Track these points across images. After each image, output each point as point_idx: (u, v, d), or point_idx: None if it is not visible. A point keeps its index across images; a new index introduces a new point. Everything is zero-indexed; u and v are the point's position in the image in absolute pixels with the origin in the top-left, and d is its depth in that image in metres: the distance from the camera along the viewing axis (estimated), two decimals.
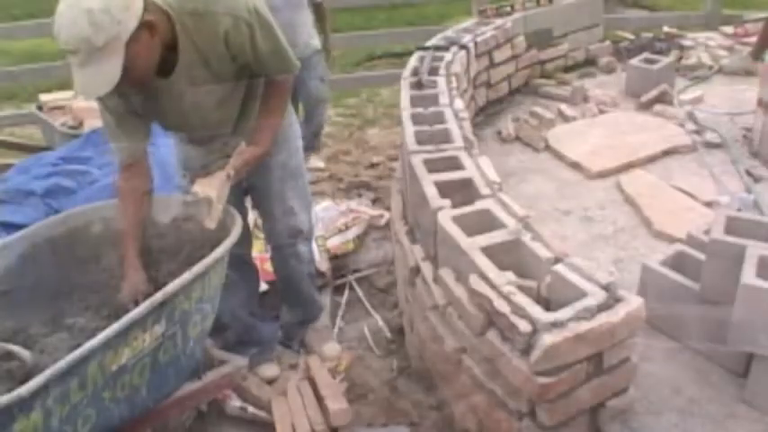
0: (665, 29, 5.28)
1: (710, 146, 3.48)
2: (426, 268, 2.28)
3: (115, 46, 1.79)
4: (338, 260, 3.37)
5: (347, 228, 3.45)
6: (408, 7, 8.56)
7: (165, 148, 2.90)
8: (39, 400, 1.54)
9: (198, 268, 1.93)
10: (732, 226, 2.05)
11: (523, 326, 1.64)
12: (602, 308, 1.67)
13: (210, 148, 2.34)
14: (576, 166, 3.38)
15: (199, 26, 1.99)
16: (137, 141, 2.18)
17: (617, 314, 1.66)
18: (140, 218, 2.20)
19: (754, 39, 4.76)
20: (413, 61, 3.51)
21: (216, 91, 2.15)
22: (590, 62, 4.78)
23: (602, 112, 3.94)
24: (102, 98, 2.04)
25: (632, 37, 5.29)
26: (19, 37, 5.62)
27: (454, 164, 2.38)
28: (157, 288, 1.90)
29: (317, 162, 4.57)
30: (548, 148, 3.60)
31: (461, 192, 2.23)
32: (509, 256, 1.91)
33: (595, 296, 1.67)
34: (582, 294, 1.69)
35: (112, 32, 1.77)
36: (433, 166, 2.35)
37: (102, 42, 1.76)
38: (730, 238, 1.98)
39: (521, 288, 1.76)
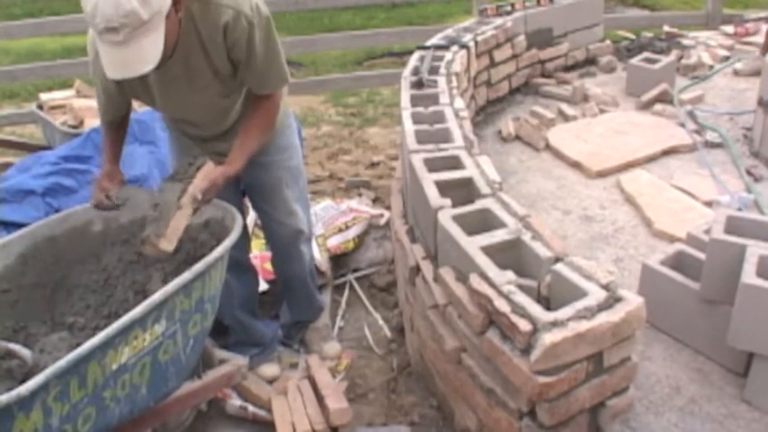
0: (666, 28, 5.28)
1: (711, 145, 3.48)
2: (426, 267, 2.28)
3: (157, 21, 1.79)
4: (338, 259, 3.37)
5: (347, 227, 3.45)
6: (408, 7, 8.57)
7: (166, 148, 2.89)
8: (39, 399, 1.54)
9: (198, 267, 1.93)
10: (732, 225, 2.05)
11: (523, 325, 1.64)
12: (603, 307, 1.67)
13: (203, 148, 2.34)
14: (576, 165, 3.38)
15: (203, 14, 1.99)
16: (121, 111, 2.29)
17: (617, 313, 1.66)
18: (121, 141, 2.35)
19: (754, 38, 4.77)
20: (413, 61, 3.50)
21: (212, 86, 2.14)
22: (590, 62, 4.77)
23: (602, 111, 3.94)
24: (100, 76, 2.05)
25: (632, 36, 5.28)
26: (19, 36, 5.62)
27: (454, 163, 2.38)
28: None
29: None
30: (548, 147, 3.60)
31: (461, 191, 2.23)
32: (509, 255, 1.92)
33: (595, 295, 1.68)
34: (582, 294, 1.69)
35: (156, 6, 1.77)
36: (433, 166, 2.35)
37: (148, 16, 1.74)
38: (730, 238, 1.98)
39: (521, 287, 1.76)
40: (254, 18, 2.03)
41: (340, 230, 3.42)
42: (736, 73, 4.42)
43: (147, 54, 1.79)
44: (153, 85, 2.11)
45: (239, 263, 2.53)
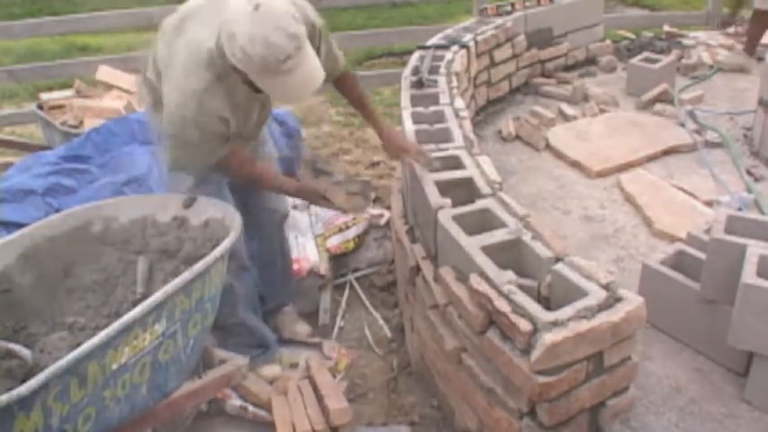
0: (666, 28, 5.28)
1: (711, 145, 3.48)
2: (426, 267, 2.28)
3: (304, 32, 1.94)
4: (338, 259, 3.37)
5: (347, 227, 3.45)
6: (408, 7, 8.56)
7: None
8: (39, 399, 1.54)
9: (198, 267, 1.93)
10: (732, 225, 2.05)
11: (524, 325, 1.64)
12: (603, 307, 1.67)
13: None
14: (576, 165, 3.38)
15: None
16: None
17: (617, 313, 1.66)
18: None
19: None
20: (413, 60, 3.50)
21: None
22: (590, 61, 4.77)
23: (602, 111, 3.94)
24: (212, 125, 2.07)
25: (633, 36, 5.29)
26: (19, 36, 5.62)
27: (454, 163, 2.38)
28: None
29: None
30: (548, 147, 3.60)
31: (462, 191, 2.23)
32: (509, 255, 1.91)
33: (596, 295, 1.68)
34: (582, 294, 1.69)
35: (301, 19, 1.93)
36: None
37: (302, 31, 1.90)
38: (731, 238, 1.98)
39: (521, 287, 1.76)
40: (318, 24, 2.21)
41: (340, 230, 3.42)
42: (721, 67, 4.44)
43: (315, 63, 1.95)
44: (246, 110, 2.18)
45: (239, 264, 2.53)
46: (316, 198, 2.24)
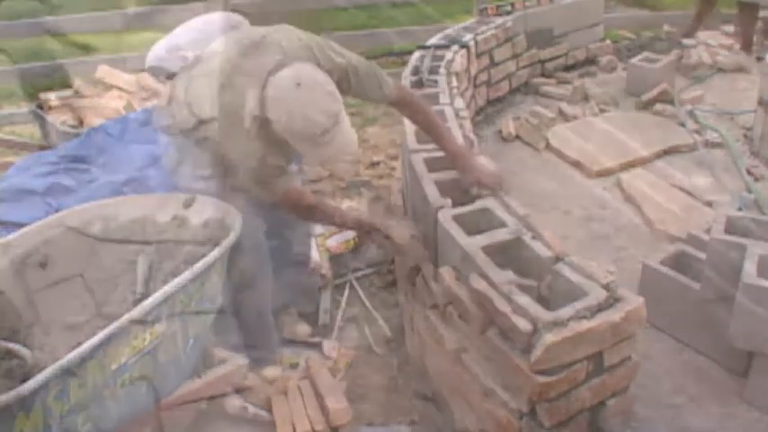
0: (666, 28, 5.28)
1: (711, 145, 3.48)
2: (426, 267, 2.27)
3: (342, 109, 2.08)
4: (338, 259, 3.37)
5: None
6: (409, 6, 8.56)
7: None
8: (39, 399, 1.54)
9: (198, 267, 1.93)
10: (732, 225, 2.05)
11: (524, 325, 1.64)
12: (603, 307, 1.67)
13: None
14: (576, 165, 3.38)
15: None
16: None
17: (617, 313, 1.66)
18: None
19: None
20: (413, 60, 3.51)
21: None
22: (590, 61, 4.77)
23: (602, 111, 3.94)
24: (272, 159, 2.16)
25: (633, 36, 5.29)
26: (19, 36, 5.62)
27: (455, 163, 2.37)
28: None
29: None
30: (548, 147, 3.60)
31: (462, 191, 2.23)
32: (509, 255, 1.91)
33: (596, 295, 1.68)
34: (582, 293, 1.69)
35: (338, 95, 2.06)
36: (433, 165, 2.35)
37: (339, 107, 2.04)
38: (731, 238, 1.98)
39: (521, 287, 1.76)
40: (346, 64, 2.23)
41: (340, 230, 3.42)
42: (720, 68, 4.44)
43: (350, 133, 2.08)
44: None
45: (265, 259, 2.53)
46: (377, 236, 2.34)
